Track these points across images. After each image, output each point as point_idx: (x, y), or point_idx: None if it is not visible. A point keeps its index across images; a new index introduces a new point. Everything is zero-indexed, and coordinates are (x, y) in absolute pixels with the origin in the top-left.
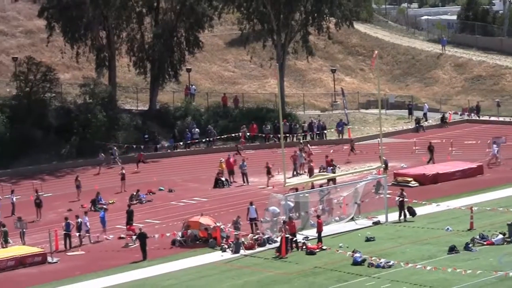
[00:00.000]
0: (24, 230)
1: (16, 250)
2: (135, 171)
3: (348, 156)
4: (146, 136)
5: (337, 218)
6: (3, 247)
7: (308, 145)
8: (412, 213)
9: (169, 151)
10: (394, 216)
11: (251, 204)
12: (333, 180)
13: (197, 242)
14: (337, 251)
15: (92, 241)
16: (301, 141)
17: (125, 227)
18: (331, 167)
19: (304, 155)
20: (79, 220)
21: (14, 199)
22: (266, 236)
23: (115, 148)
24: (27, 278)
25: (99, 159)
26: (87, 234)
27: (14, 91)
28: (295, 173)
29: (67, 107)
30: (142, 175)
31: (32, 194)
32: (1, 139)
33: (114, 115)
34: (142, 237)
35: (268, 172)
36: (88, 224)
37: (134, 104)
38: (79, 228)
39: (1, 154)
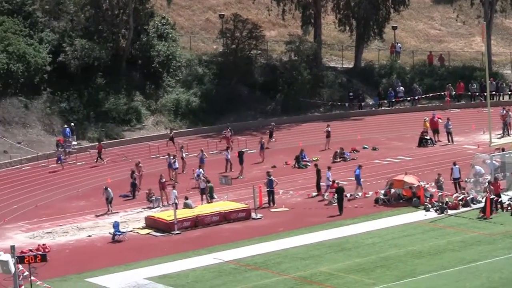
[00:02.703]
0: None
1: (221, 205)
2: (94, 165)
3: None
4: (351, 94)
5: None
6: (208, 202)
7: None
8: None
9: (373, 109)
10: None
11: (454, 164)
12: None
13: (401, 201)
14: None
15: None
16: None
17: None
18: None
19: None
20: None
21: (229, 155)
22: (471, 196)
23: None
24: (231, 233)
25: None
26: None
27: (221, 48)
28: (505, 133)
29: (273, 64)
30: (347, 132)
31: (236, 151)
32: (208, 96)
33: (319, 72)
34: (340, 192)
35: None
36: (330, 178)
37: (339, 62)
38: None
39: (208, 110)
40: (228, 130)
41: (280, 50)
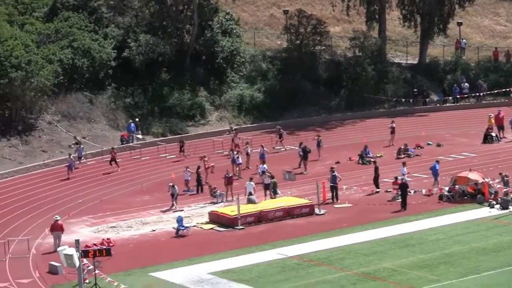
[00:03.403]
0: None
1: (284, 201)
2: (110, 171)
3: None
4: (415, 90)
5: None
6: (272, 198)
7: None
8: None
9: (438, 105)
10: None
11: None
12: None
13: (465, 197)
14: None
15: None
16: None
17: (392, 181)
18: None
19: None
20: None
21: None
22: None
23: None
24: (295, 229)
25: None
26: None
27: (285, 44)
28: None
29: (337, 60)
30: (411, 129)
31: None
32: (272, 91)
33: (383, 68)
34: (404, 188)
35: None
36: (405, 173)
37: (403, 58)
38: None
39: (271, 106)
40: (234, 133)
41: (345, 46)
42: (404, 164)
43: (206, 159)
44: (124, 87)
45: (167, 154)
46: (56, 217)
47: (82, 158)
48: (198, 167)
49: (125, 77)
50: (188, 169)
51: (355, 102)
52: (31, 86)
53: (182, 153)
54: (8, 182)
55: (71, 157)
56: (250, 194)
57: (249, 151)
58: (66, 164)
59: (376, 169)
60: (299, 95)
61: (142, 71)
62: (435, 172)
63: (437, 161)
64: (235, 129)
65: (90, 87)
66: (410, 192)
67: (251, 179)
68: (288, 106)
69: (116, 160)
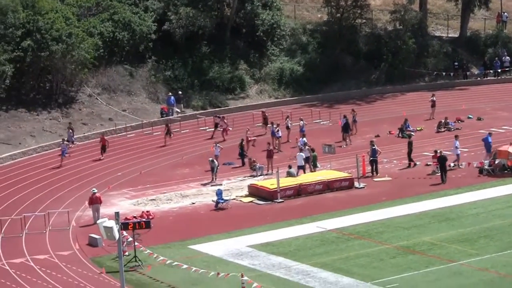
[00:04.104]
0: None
1: (324, 174)
2: (99, 158)
3: None
4: (456, 63)
5: None
6: (311, 171)
7: None
8: None
9: (478, 79)
10: None
11: None
12: None
13: (505, 171)
14: None
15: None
16: None
17: (432, 155)
18: None
19: None
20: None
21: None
22: None
23: None
24: (334, 202)
25: None
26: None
27: (325, 17)
28: None
29: (377, 34)
30: (452, 102)
31: (340, 120)
32: (312, 65)
33: (424, 42)
34: (442, 162)
35: None
36: (458, 149)
37: (444, 31)
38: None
39: (311, 79)
40: (221, 119)
41: (385, 19)
42: (456, 137)
43: (249, 132)
44: (164, 60)
45: (206, 127)
46: (93, 190)
47: (75, 142)
48: (242, 140)
49: (165, 50)
50: (218, 145)
51: (395, 76)
52: (71, 59)
53: (168, 136)
54: (48, 154)
55: (65, 142)
56: (290, 167)
57: (289, 124)
58: (60, 150)
59: (410, 143)
60: (339, 68)
61: (182, 44)
62: (487, 145)
63: (490, 134)
64: (222, 116)
65: (130, 60)
66: (450, 166)
67: (300, 150)
68: (328, 79)
69: (106, 148)
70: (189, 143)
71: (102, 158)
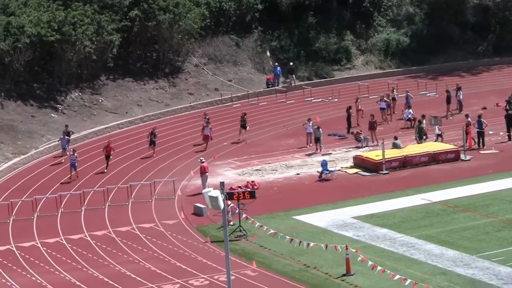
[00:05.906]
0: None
1: (430, 146)
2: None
3: None
4: None
5: None
6: (418, 143)
7: None
8: None
9: None
10: None
11: None
12: None
13: None
14: None
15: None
16: None
17: None
18: None
19: None
20: None
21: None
22: None
23: None
24: (439, 175)
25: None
26: None
27: None
28: None
29: (485, 5)
30: None
31: (444, 91)
32: (419, 36)
33: None
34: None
35: None
36: None
37: None
38: None
39: (418, 50)
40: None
41: None
42: None
43: (359, 101)
44: (270, 31)
45: (312, 98)
46: (201, 159)
47: (67, 148)
48: (349, 107)
49: (271, 20)
50: (309, 122)
51: (503, 47)
52: (178, 29)
53: (151, 146)
54: (155, 123)
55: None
56: (396, 138)
57: (395, 95)
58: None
59: (510, 116)
60: (445, 39)
61: (288, 14)
62: None
63: None
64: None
65: (236, 30)
66: None
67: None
68: (434, 50)
69: (110, 156)
70: (294, 113)
71: (106, 170)
